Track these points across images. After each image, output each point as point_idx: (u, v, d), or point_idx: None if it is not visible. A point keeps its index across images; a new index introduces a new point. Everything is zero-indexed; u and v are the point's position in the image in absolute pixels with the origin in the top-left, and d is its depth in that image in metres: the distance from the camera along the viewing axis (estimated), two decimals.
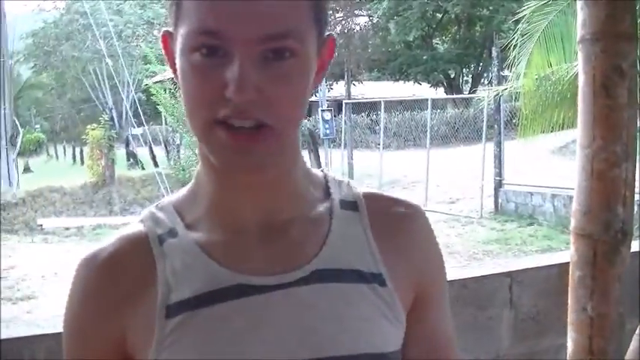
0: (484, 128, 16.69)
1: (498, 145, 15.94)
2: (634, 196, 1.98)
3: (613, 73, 1.94)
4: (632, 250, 3.46)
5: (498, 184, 15.98)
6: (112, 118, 32.69)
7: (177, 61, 1.03)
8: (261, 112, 0.98)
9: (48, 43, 42.88)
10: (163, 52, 1.11)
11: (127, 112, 33.20)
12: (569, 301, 2.02)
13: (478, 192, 15.99)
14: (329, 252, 1.12)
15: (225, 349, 1.05)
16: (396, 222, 1.19)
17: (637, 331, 2.33)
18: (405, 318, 1.16)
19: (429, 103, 19.11)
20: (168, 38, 1.09)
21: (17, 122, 28.36)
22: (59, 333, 2.17)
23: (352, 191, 1.21)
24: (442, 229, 13.69)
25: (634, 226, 1.98)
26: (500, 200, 15.99)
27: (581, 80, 1.99)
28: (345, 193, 1.20)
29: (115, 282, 1.11)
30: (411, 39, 33.12)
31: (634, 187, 1.97)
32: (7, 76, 24.58)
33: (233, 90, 0.96)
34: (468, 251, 12.19)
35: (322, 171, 1.23)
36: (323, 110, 20.98)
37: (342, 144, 22.26)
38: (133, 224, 1.17)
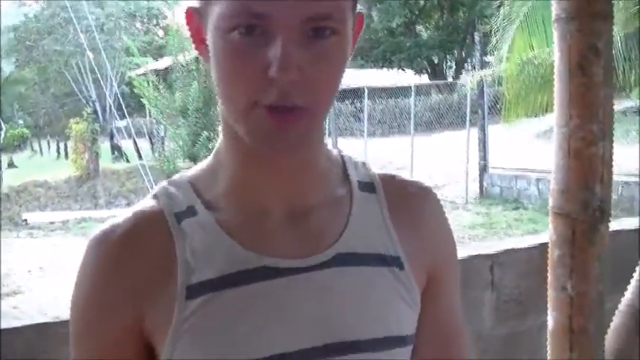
0: (468, 113, 16.72)
1: (482, 129, 15.98)
2: (611, 175, 1.98)
3: (589, 52, 1.94)
4: (616, 228, 3.49)
5: (483, 169, 16.04)
6: (95, 112, 32.55)
7: (211, 40, 1.01)
8: (300, 96, 0.97)
9: (29, 37, 42.54)
10: (187, 28, 1.09)
11: (110, 105, 33.10)
12: (549, 281, 2.02)
13: (463, 177, 16.04)
14: (350, 235, 1.12)
15: (248, 332, 1.03)
16: (410, 203, 1.19)
17: (619, 308, 2.34)
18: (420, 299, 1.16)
19: (412, 89, 19.12)
20: (193, 14, 1.07)
21: (0, 118, 28.25)
22: (37, 324, 2.16)
23: (368, 172, 1.20)
24: None
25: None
26: (485, 184, 16.05)
27: (557, 59, 1.99)
28: (362, 174, 1.19)
29: (132, 260, 1.06)
30: (394, 26, 33.07)
31: (611, 165, 1.97)
32: None
33: (276, 70, 0.95)
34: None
35: (339, 151, 1.22)
36: None
37: (327, 132, 22.24)
38: (145, 200, 1.13)
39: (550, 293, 2.01)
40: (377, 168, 1.24)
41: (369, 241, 1.13)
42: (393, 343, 1.10)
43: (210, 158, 1.16)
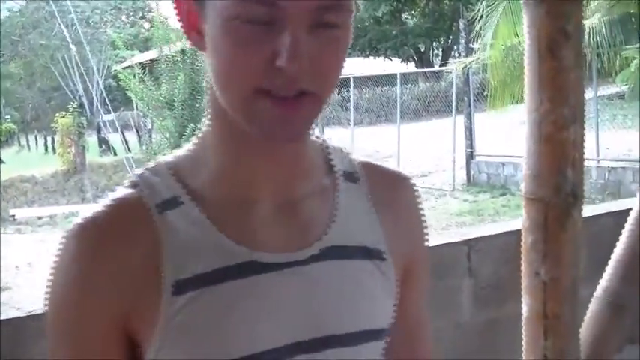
0: (454, 101, 16.75)
1: (469, 117, 16.01)
2: (583, 159, 1.97)
3: (558, 35, 1.92)
4: (597, 213, 3.48)
5: (470, 156, 16.07)
6: (81, 105, 32.42)
7: (212, 27, 0.98)
8: (307, 82, 0.96)
9: (14, 32, 42.43)
10: (177, 16, 1.05)
11: (97, 99, 33.02)
12: (523, 267, 2.01)
13: (450, 164, 16.06)
14: (337, 228, 1.11)
15: (237, 329, 1.01)
16: (391, 194, 1.19)
17: (595, 294, 2.33)
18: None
19: (398, 77, 19.13)
20: (182, 1, 1.03)
21: None
22: (11, 319, 2.14)
23: (351, 161, 1.19)
24: None
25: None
26: (472, 172, 16.08)
27: (527, 43, 1.98)
28: (346, 164, 1.18)
29: (114, 254, 1.01)
30: (380, 14, 33.04)
31: (583, 149, 1.96)
32: None
33: (286, 59, 0.93)
34: (440, 224, 12.23)
35: (319, 138, 1.19)
36: None
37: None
38: (122, 189, 1.06)
39: (524, 279, 2.00)
40: (365, 157, 1.23)
41: (354, 234, 1.12)
42: (374, 336, 1.10)
43: (191, 146, 1.11)
